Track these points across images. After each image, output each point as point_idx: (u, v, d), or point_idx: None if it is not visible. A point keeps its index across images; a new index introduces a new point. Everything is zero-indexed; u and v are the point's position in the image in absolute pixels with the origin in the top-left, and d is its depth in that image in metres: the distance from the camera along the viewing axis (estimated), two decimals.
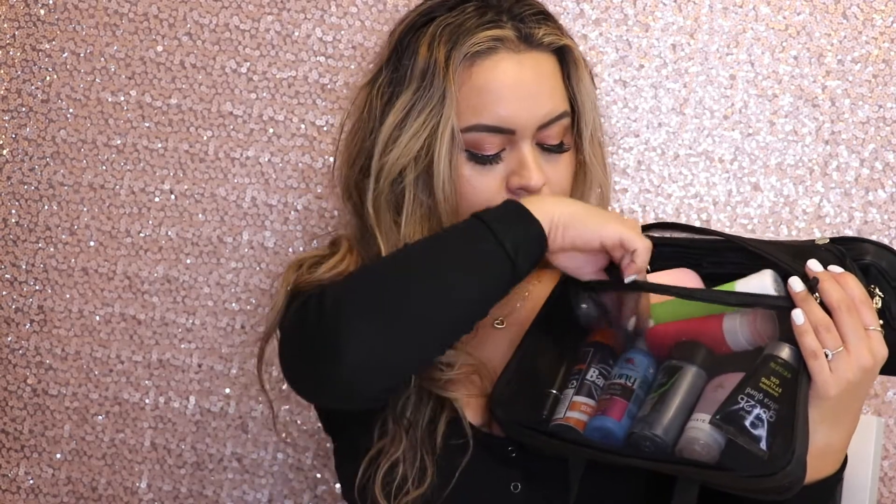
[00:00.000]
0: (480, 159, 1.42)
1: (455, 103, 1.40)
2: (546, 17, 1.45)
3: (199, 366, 1.89)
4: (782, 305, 1.26)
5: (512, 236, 1.28)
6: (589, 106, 1.46)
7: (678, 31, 1.85)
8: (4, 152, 1.90)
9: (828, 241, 1.33)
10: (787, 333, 1.25)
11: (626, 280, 1.30)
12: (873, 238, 1.78)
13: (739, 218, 1.85)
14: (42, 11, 1.89)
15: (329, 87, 1.87)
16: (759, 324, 1.28)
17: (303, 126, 1.88)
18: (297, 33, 1.88)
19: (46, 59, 1.89)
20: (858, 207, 1.84)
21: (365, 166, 1.45)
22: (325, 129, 1.87)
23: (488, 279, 1.28)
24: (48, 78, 1.89)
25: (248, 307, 1.88)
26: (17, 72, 1.89)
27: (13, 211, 1.90)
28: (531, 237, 1.29)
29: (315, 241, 1.88)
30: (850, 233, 1.83)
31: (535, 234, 1.29)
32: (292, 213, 1.88)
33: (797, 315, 1.24)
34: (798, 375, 1.24)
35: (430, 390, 1.40)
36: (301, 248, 1.87)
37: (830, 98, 1.84)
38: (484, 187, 1.43)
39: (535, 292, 1.52)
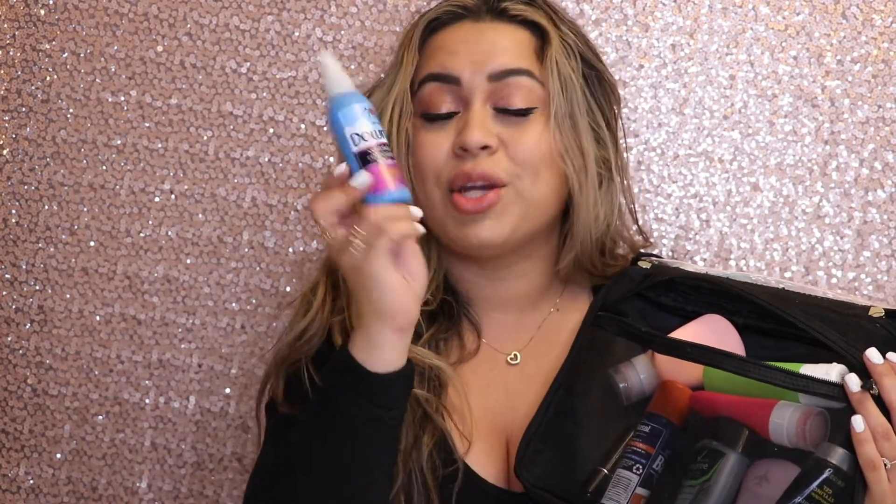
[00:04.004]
0: (430, 118, 1.34)
1: (411, 68, 1.34)
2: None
3: (199, 366, 1.89)
4: (832, 395, 1.17)
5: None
6: (557, 87, 1.33)
7: (678, 31, 1.85)
8: (4, 152, 1.90)
9: (883, 313, 1.22)
10: (840, 433, 1.17)
11: None
12: None
13: (739, 218, 1.85)
14: (42, 11, 1.89)
15: None
16: (810, 426, 1.19)
17: (303, 126, 1.88)
18: (297, 33, 1.88)
19: (46, 59, 1.89)
20: (858, 207, 1.84)
21: None
22: (324, 128, 1.87)
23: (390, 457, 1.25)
24: (48, 78, 1.89)
25: (248, 307, 1.88)
26: (17, 72, 1.89)
27: (13, 211, 1.90)
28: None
29: (315, 242, 1.88)
30: (849, 233, 1.83)
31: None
32: (292, 213, 1.88)
33: (857, 422, 1.15)
34: (853, 485, 1.16)
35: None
36: (301, 248, 1.87)
37: (830, 98, 1.84)
38: (432, 148, 1.33)
39: (550, 323, 1.42)
